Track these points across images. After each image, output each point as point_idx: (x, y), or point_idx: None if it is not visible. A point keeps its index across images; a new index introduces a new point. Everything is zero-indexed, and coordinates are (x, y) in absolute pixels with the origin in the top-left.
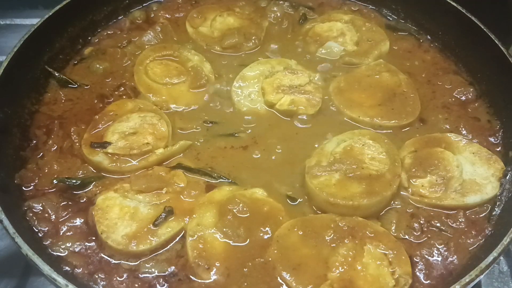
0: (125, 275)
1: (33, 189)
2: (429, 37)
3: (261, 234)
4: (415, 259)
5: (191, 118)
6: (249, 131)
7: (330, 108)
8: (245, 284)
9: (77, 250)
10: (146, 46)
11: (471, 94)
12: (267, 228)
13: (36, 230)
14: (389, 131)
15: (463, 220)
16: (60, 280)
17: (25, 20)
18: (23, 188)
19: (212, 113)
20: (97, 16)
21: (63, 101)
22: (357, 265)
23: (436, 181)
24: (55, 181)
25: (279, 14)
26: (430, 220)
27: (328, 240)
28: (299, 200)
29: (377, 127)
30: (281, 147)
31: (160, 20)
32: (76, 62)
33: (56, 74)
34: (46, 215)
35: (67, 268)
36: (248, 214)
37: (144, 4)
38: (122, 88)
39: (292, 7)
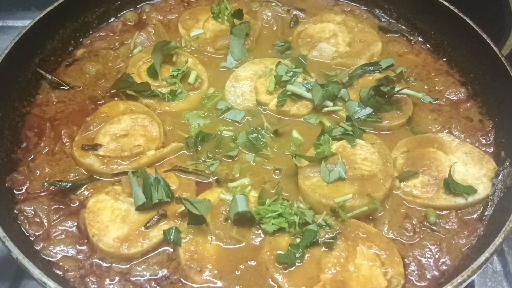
0: (116, 278)
1: (24, 193)
2: (421, 39)
3: (254, 236)
4: (407, 260)
5: (183, 119)
6: (242, 130)
7: (323, 108)
8: (238, 286)
9: (68, 253)
10: (139, 48)
11: (463, 94)
12: (259, 230)
13: (27, 234)
14: (381, 131)
15: (455, 220)
16: (51, 284)
17: (17, 22)
18: (14, 191)
19: (205, 114)
20: (88, 18)
21: (54, 103)
22: (350, 266)
23: (428, 181)
24: (46, 184)
25: (270, 16)
26: (422, 221)
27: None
28: (292, 200)
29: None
30: (274, 147)
31: (152, 22)
32: (67, 63)
33: (48, 76)
34: (38, 218)
35: (58, 271)
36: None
37: (136, 6)
38: (115, 90)
39: (284, 10)
